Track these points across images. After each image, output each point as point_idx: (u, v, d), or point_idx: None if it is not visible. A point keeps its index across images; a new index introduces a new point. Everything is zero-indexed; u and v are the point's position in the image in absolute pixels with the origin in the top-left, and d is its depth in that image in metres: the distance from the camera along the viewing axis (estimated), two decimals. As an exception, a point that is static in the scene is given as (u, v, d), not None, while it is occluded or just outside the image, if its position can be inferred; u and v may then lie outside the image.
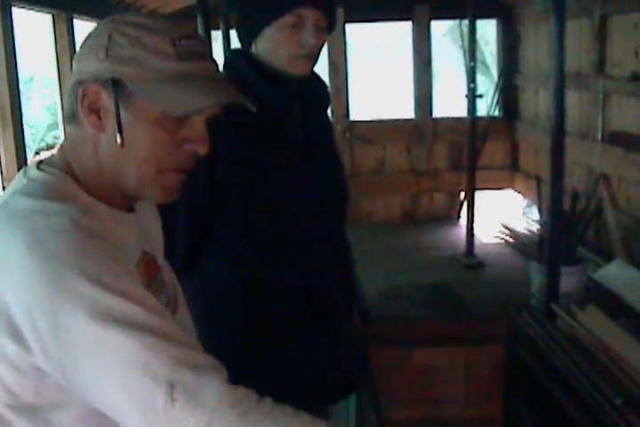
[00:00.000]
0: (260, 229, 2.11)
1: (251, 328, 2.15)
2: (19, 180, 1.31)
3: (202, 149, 1.32)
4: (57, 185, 1.26)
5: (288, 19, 2.03)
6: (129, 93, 1.24)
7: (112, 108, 1.25)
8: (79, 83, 1.27)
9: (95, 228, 1.19)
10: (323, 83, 2.36)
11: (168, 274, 1.56)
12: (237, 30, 2.20)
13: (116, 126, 1.25)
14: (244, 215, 2.10)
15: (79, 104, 1.27)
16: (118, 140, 1.25)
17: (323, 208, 2.19)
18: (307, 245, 2.17)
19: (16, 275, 1.13)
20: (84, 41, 1.31)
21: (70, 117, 1.31)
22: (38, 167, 1.31)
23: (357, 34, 7.63)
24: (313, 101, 2.26)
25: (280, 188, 2.11)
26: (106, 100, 1.26)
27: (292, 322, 2.18)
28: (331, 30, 2.14)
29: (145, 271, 1.39)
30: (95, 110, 1.27)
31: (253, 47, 2.13)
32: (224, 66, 2.21)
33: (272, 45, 2.08)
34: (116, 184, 1.31)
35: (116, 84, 1.24)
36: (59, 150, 1.36)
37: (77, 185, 1.28)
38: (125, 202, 1.37)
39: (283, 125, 2.13)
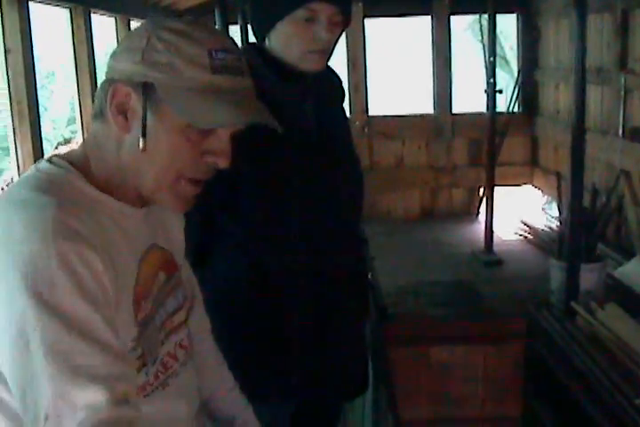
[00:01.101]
0: (272, 224, 2.10)
1: (262, 324, 2.14)
2: (29, 170, 1.31)
3: (222, 163, 1.30)
4: (59, 177, 1.26)
5: (301, 13, 2.01)
6: (158, 99, 1.24)
7: (140, 111, 1.24)
8: (111, 81, 1.27)
9: (76, 226, 1.17)
10: (337, 77, 2.33)
11: (186, 272, 1.55)
12: (252, 25, 2.18)
13: (140, 130, 1.24)
14: (255, 211, 2.08)
15: (108, 102, 1.26)
16: (141, 145, 1.24)
17: (337, 203, 2.17)
18: (320, 240, 2.16)
19: None
20: (123, 40, 1.31)
21: (98, 114, 1.30)
22: (50, 160, 1.30)
23: (376, 29, 7.61)
24: (327, 96, 2.24)
25: (293, 183, 2.09)
26: (135, 102, 1.25)
27: (302, 318, 2.16)
28: (346, 25, 2.11)
29: (158, 267, 1.38)
30: (123, 111, 1.26)
31: (267, 42, 2.10)
32: None
33: (285, 40, 2.06)
34: (133, 184, 1.31)
35: (147, 89, 1.24)
36: (81, 144, 1.36)
37: (84, 178, 1.27)
38: (139, 199, 1.35)
39: (296, 120, 2.11)
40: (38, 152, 4.28)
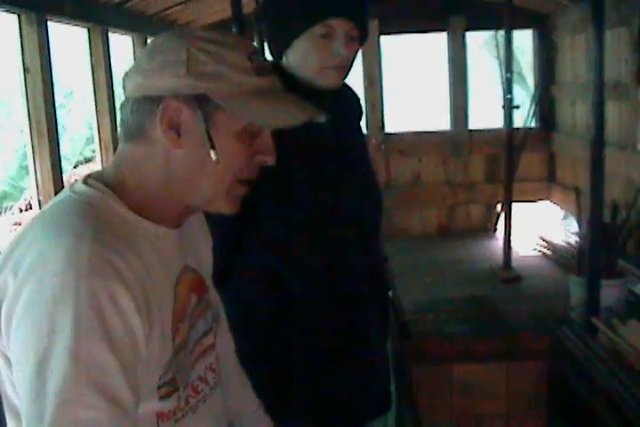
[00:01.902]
0: (291, 242, 2.08)
1: (284, 343, 2.13)
2: (63, 192, 1.31)
3: (270, 160, 1.34)
4: (96, 200, 1.25)
5: (318, 29, 2.00)
6: (212, 109, 1.25)
7: (195, 124, 1.25)
8: (152, 99, 1.26)
9: (112, 259, 1.16)
10: (355, 95, 2.33)
11: (214, 293, 1.55)
12: (268, 43, 2.17)
13: (205, 142, 1.25)
14: (274, 229, 2.07)
15: (158, 121, 1.25)
16: (213, 157, 1.25)
17: (355, 221, 2.16)
18: (340, 258, 2.14)
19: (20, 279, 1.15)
20: (150, 57, 1.29)
21: (134, 134, 1.29)
22: (85, 181, 1.29)
23: (392, 45, 7.62)
24: (345, 114, 2.23)
25: (310, 201, 2.08)
26: (187, 116, 1.25)
27: (323, 335, 2.15)
28: (363, 41, 2.11)
29: (190, 289, 1.38)
30: (174, 126, 1.26)
31: (284, 59, 2.10)
32: None
33: (302, 56, 2.05)
34: (182, 199, 1.32)
35: (199, 100, 1.24)
36: (112, 166, 1.34)
37: (121, 201, 1.27)
38: (176, 220, 1.36)
39: (314, 138, 2.10)
40: (57, 171, 4.29)
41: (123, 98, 1.34)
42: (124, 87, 1.32)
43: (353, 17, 2.01)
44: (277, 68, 2.09)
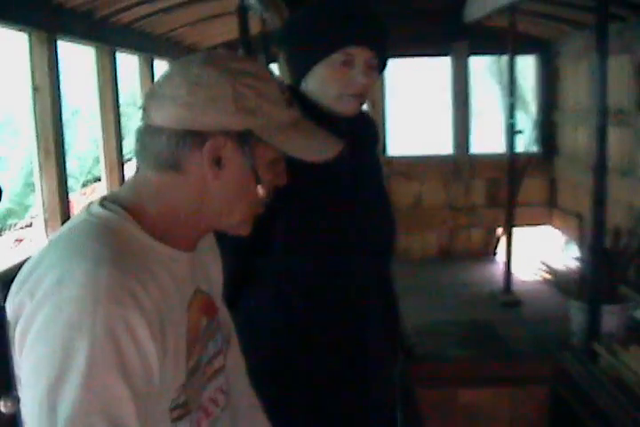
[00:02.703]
0: (303, 268, 2.09)
1: (291, 366, 2.13)
2: (80, 213, 1.31)
3: (283, 181, 1.39)
4: (113, 224, 1.26)
5: (338, 56, 2.01)
6: (255, 143, 1.28)
7: (240, 159, 1.28)
8: (196, 134, 1.26)
9: (129, 285, 1.17)
10: (372, 121, 2.34)
11: (224, 315, 1.55)
12: (288, 66, 2.18)
13: (249, 175, 1.30)
14: (286, 254, 2.08)
15: (205, 156, 1.26)
16: (260, 193, 1.32)
17: (368, 249, 2.17)
18: (350, 285, 2.14)
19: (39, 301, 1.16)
20: (191, 89, 1.27)
21: (166, 164, 1.28)
22: (102, 204, 1.30)
23: (396, 69, 7.64)
24: (362, 140, 2.24)
25: (324, 228, 2.08)
26: (232, 151, 1.27)
27: (332, 361, 2.15)
28: (382, 70, 2.12)
29: (202, 312, 1.38)
30: (217, 160, 1.27)
31: (303, 84, 2.11)
32: None
33: (321, 83, 2.06)
34: (210, 225, 1.36)
35: (244, 136, 1.27)
36: (128, 190, 1.34)
37: (138, 225, 1.28)
38: (192, 244, 1.37)
39: (330, 165, 2.11)
40: (63, 189, 4.30)
41: (138, 122, 1.33)
42: (147, 113, 1.30)
43: (373, 46, 2.03)
44: (295, 91, 2.11)
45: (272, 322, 2.13)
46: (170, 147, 1.27)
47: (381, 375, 2.26)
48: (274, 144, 1.29)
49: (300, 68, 2.10)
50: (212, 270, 1.51)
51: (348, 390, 2.16)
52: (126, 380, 1.14)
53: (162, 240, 1.29)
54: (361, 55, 2.02)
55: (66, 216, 4.31)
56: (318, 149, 1.35)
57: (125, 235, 1.25)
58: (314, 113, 2.06)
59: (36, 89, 4.15)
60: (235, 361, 1.59)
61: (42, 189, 4.23)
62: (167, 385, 1.24)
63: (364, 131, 2.28)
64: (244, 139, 1.27)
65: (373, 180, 2.29)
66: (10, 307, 1.18)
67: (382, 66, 2.10)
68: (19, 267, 1.28)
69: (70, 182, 4.62)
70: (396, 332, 2.39)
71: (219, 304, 1.50)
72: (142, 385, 1.17)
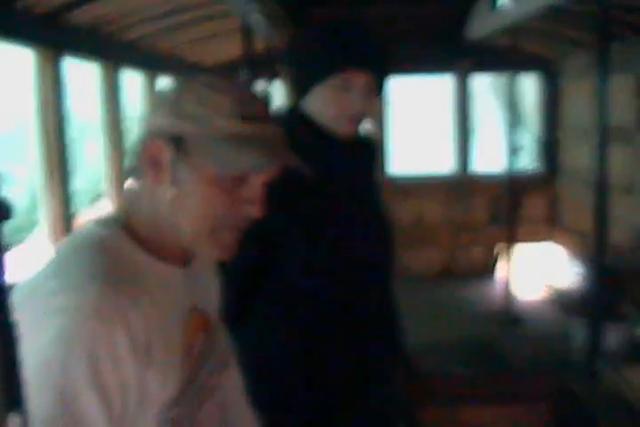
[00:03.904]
0: (305, 289, 2.10)
1: (292, 384, 2.13)
2: (77, 231, 1.34)
3: (255, 212, 1.31)
4: (108, 240, 1.27)
5: (337, 79, 2.03)
6: (189, 150, 1.25)
7: (175, 165, 1.26)
8: (145, 136, 1.29)
9: (119, 303, 1.18)
10: (373, 144, 2.36)
11: (220, 333, 1.54)
12: (291, 86, 2.21)
13: (191, 186, 1.26)
14: (291, 275, 2.09)
15: (141, 156, 1.28)
16: (170, 194, 1.26)
17: (368, 268, 2.18)
18: (350, 305, 2.15)
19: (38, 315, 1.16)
20: (156, 97, 1.33)
21: (132, 171, 1.32)
22: (97, 221, 1.32)
23: (397, 87, 7.68)
24: (362, 161, 2.25)
25: (323, 249, 2.09)
26: (167, 154, 1.26)
27: (334, 377, 2.15)
28: (379, 93, 2.13)
29: (198, 328, 1.38)
30: (157, 164, 1.27)
31: (304, 104, 2.13)
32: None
33: (320, 104, 2.08)
34: (172, 238, 1.32)
35: (178, 140, 1.26)
36: (118, 203, 1.36)
37: (131, 240, 1.29)
38: (183, 255, 1.37)
39: (329, 185, 2.13)
40: (67, 206, 4.32)
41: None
42: None
43: (371, 69, 2.04)
44: (298, 111, 2.13)
45: (270, 338, 2.13)
46: (132, 152, 1.32)
47: (382, 391, 2.26)
48: (198, 153, 1.25)
49: (300, 89, 2.13)
50: (208, 288, 1.52)
51: (349, 404, 2.17)
52: (100, 398, 1.14)
53: (156, 254, 1.30)
54: (359, 78, 2.03)
55: (69, 234, 4.33)
56: (246, 163, 1.26)
57: (120, 252, 1.27)
58: (313, 132, 2.10)
59: (41, 106, 4.17)
60: (232, 379, 1.59)
61: (46, 207, 4.24)
62: (153, 398, 1.24)
63: (364, 150, 2.29)
64: (177, 143, 1.26)
65: (372, 199, 2.31)
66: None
67: (381, 90, 2.11)
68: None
69: (77, 199, 4.63)
70: (397, 349, 2.40)
71: (215, 322, 1.49)
72: (117, 404, 1.17)
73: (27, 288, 1.22)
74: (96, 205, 5.87)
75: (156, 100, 1.31)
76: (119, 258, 1.26)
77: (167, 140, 1.26)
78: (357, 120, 2.09)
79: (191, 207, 1.27)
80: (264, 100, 1.33)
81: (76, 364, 1.12)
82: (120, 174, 5.41)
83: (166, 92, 1.30)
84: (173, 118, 1.26)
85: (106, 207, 5.30)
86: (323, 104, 2.08)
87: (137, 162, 1.31)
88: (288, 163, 1.31)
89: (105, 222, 1.31)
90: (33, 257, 3.89)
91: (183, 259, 1.37)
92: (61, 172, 4.28)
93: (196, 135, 1.25)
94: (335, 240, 2.11)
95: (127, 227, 1.31)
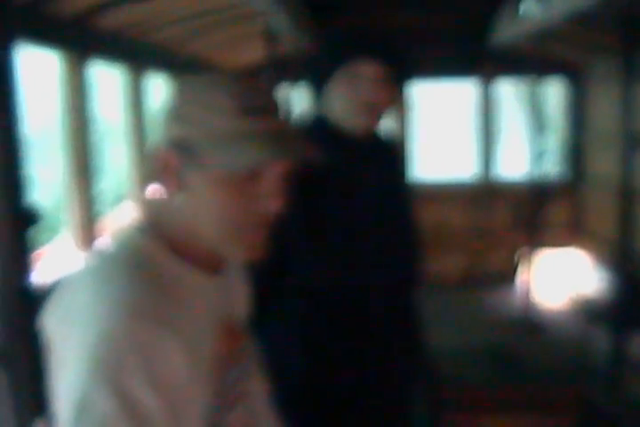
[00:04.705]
0: (319, 286, 2.10)
1: (308, 386, 2.13)
2: (112, 239, 1.33)
3: (274, 206, 1.28)
4: (143, 249, 1.28)
5: (344, 72, 2.05)
6: (195, 154, 1.24)
7: (186, 169, 1.25)
8: (158, 144, 1.29)
9: (157, 311, 1.19)
10: (393, 144, 2.35)
11: (249, 340, 1.54)
12: (310, 92, 2.22)
13: (208, 189, 1.25)
14: (303, 273, 2.09)
15: (155, 164, 1.28)
16: (179, 200, 1.26)
17: (389, 273, 2.17)
18: (369, 308, 2.15)
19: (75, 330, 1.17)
20: (164, 104, 1.33)
21: (152, 178, 1.31)
22: (131, 228, 1.32)
23: (421, 91, 7.67)
24: (387, 164, 2.25)
25: (339, 248, 2.09)
26: (176, 160, 1.26)
27: (348, 379, 2.15)
28: (398, 83, 2.11)
29: (225, 336, 1.38)
30: (169, 171, 1.27)
31: (323, 107, 2.14)
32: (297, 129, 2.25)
33: (333, 100, 2.09)
34: (200, 244, 1.31)
35: (184, 145, 1.25)
36: (146, 211, 1.36)
37: (166, 248, 1.29)
38: (213, 262, 1.35)
39: (350, 187, 2.12)
40: (92, 209, 4.34)
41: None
42: None
43: (379, 59, 2.04)
44: (317, 115, 2.14)
45: (290, 340, 2.13)
46: (150, 161, 1.31)
47: (399, 397, 2.26)
48: (204, 154, 1.24)
49: (316, 90, 2.14)
50: (239, 295, 1.52)
51: (364, 409, 2.16)
52: (158, 392, 1.15)
53: (188, 262, 1.30)
54: (367, 69, 2.04)
55: (94, 236, 4.35)
56: (249, 158, 1.23)
57: (156, 260, 1.27)
58: (332, 134, 2.10)
59: (66, 110, 4.19)
60: (258, 385, 1.59)
61: (71, 209, 4.27)
62: (192, 406, 1.25)
63: (383, 153, 2.29)
64: (183, 147, 1.25)
65: (396, 201, 2.29)
66: (45, 332, 1.20)
67: (396, 79, 2.10)
68: (51, 288, 1.30)
69: (104, 200, 4.66)
70: (417, 356, 2.39)
71: (244, 329, 1.50)
72: (173, 399, 1.18)
73: (63, 301, 1.22)
74: (120, 206, 5.89)
75: (167, 108, 1.31)
76: (155, 267, 1.26)
77: (174, 147, 1.26)
78: (369, 113, 2.08)
79: (208, 211, 1.26)
80: (268, 92, 1.30)
81: (127, 364, 1.13)
82: (144, 177, 5.43)
83: (173, 98, 1.30)
84: (176, 123, 1.26)
85: (130, 210, 5.32)
86: (335, 99, 2.09)
87: (153, 170, 1.30)
88: (297, 154, 1.28)
89: (140, 230, 1.31)
90: (58, 259, 3.91)
91: (214, 266, 1.35)
92: (86, 174, 4.30)
93: (199, 138, 1.24)
94: (350, 240, 2.10)
95: (160, 235, 1.30)
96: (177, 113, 1.26)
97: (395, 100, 2.16)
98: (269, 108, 1.27)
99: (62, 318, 1.20)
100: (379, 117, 2.14)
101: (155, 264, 1.26)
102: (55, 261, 3.84)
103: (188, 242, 1.30)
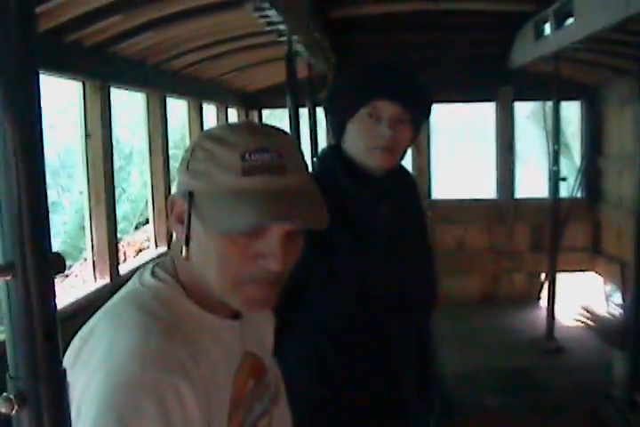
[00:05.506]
0: (338, 324, 2.11)
1: (324, 418, 2.14)
2: (133, 282, 1.35)
3: (273, 266, 1.24)
4: (164, 293, 1.30)
5: (365, 110, 2.08)
6: (200, 207, 1.24)
7: (192, 220, 1.26)
8: (176, 191, 1.32)
9: (177, 356, 1.20)
10: (412, 180, 2.37)
11: (274, 373, 1.53)
12: (330, 128, 2.25)
13: (210, 241, 1.25)
14: (321, 309, 2.11)
15: (169, 212, 1.31)
16: (183, 253, 1.27)
17: (405, 307, 2.18)
18: (384, 344, 2.16)
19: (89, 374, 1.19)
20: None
21: (168, 224, 1.35)
22: (152, 272, 1.34)
23: (441, 114, 7.70)
24: (403, 198, 2.27)
25: (359, 285, 2.10)
26: (185, 211, 1.27)
27: (364, 414, 2.16)
28: (417, 125, 2.14)
29: (249, 375, 1.38)
30: (181, 220, 1.28)
31: (342, 144, 2.17)
32: (315, 162, 2.29)
33: (353, 138, 2.11)
34: (210, 291, 1.31)
35: (191, 198, 1.26)
36: (169, 254, 1.39)
37: (185, 293, 1.31)
38: (234, 310, 1.35)
39: (368, 222, 2.15)
40: (112, 234, 4.39)
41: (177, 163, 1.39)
42: None
43: (398, 99, 2.08)
44: (336, 151, 2.18)
45: (305, 374, 2.15)
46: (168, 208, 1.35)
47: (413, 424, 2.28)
48: (203, 209, 1.24)
49: (337, 128, 2.18)
50: (263, 330, 1.52)
51: None
52: None
53: (209, 308, 1.31)
54: (387, 109, 2.06)
55: (115, 260, 4.40)
56: (238, 221, 1.20)
57: (174, 305, 1.29)
58: (355, 172, 2.14)
59: (88, 135, 4.25)
60: (282, 416, 1.56)
61: (92, 233, 4.32)
62: None
63: (405, 188, 2.31)
64: (190, 200, 1.25)
65: (415, 236, 2.32)
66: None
67: (415, 120, 2.14)
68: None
69: (123, 225, 4.71)
70: (431, 386, 2.40)
71: (268, 364, 1.49)
72: None
73: (85, 347, 1.24)
74: (141, 230, 5.95)
75: (183, 155, 1.33)
76: (174, 312, 1.27)
77: (184, 197, 1.27)
78: (388, 152, 2.10)
79: (210, 263, 1.27)
80: (278, 149, 1.25)
81: (145, 411, 1.14)
82: (165, 201, 5.48)
83: (188, 148, 1.32)
84: (186, 175, 1.28)
85: (150, 234, 5.37)
86: (355, 137, 2.12)
87: (167, 216, 1.35)
88: (301, 217, 1.24)
89: (159, 274, 1.33)
90: (79, 284, 3.96)
91: (230, 311, 1.35)
92: (107, 199, 4.36)
93: (203, 191, 1.25)
94: (368, 277, 2.12)
95: (178, 280, 1.32)
96: (187, 165, 1.28)
97: (415, 139, 2.20)
98: (275, 168, 1.24)
99: (84, 368, 1.21)
100: (398, 157, 2.17)
101: (172, 311, 1.28)
102: (75, 286, 3.90)
103: (202, 289, 1.32)
